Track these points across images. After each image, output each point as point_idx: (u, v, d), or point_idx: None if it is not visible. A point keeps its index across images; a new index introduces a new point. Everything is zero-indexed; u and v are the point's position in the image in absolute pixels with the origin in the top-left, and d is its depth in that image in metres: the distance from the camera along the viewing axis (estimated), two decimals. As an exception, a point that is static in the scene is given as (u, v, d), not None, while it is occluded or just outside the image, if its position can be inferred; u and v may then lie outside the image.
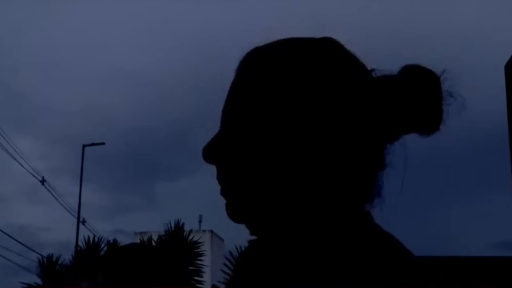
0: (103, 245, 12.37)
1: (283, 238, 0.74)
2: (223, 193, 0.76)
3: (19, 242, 17.13)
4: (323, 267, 0.69)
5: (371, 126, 0.73)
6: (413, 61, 0.78)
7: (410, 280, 0.65)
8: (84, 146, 19.22)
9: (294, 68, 0.74)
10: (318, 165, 0.72)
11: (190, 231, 12.38)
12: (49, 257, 12.67)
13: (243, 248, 0.85)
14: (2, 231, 16.37)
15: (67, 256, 12.89)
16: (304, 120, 0.72)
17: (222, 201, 0.77)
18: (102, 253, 12.14)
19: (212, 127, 0.79)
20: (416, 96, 0.75)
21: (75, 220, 18.45)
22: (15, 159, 17.24)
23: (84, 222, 18.94)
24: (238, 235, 0.78)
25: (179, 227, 12.27)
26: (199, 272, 11.84)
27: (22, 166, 18.76)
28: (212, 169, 0.78)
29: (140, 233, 15.27)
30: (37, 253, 15.36)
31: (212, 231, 22.11)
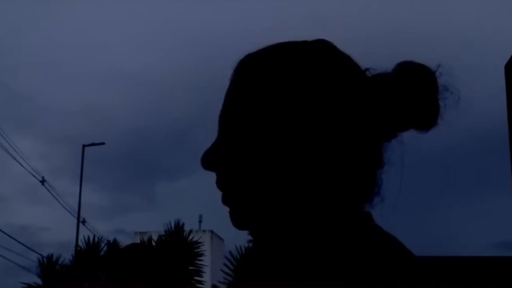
0: (103, 245, 12.37)
1: (284, 240, 0.74)
2: (224, 200, 0.76)
3: (19, 242, 17.15)
4: (324, 268, 0.69)
5: (368, 125, 0.74)
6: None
7: (410, 280, 0.65)
8: (84, 146, 19.22)
9: (288, 71, 0.74)
10: (317, 167, 0.72)
11: (190, 231, 12.37)
12: (49, 257, 12.66)
13: (243, 248, 0.86)
14: (2, 231, 16.39)
15: (67, 256, 12.91)
16: (302, 123, 0.72)
17: (222, 201, 0.77)
18: (102, 253, 12.14)
19: (212, 127, 0.79)
20: (411, 91, 0.75)
21: (75, 220, 18.47)
22: (15, 159, 17.26)
23: (84, 222, 18.95)
24: (238, 235, 0.79)
25: (179, 227, 12.26)
26: (199, 272, 11.83)
27: (22, 166, 18.79)
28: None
29: (140, 233, 15.28)
30: (37, 253, 15.38)
31: (212, 231, 22.11)
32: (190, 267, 11.74)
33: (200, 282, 11.68)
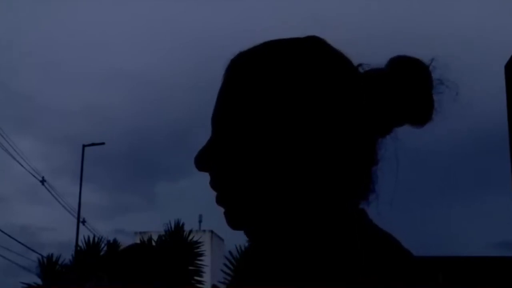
0: (103, 245, 12.37)
1: (281, 239, 0.74)
2: (219, 200, 0.76)
3: (19, 242, 17.14)
4: (319, 266, 0.69)
5: (361, 121, 0.73)
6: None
7: (404, 277, 0.65)
8: (84, 146, 19.22)
9: (280, 69, 0.74)
10: (311, 165, 0.72)
11: (190, 231, 12.36)
12: (49, 257, 12.66)
13: (243, 248, 0.86)
14: (3, 231, 16.38)
15: (67, 256, 12.90)
16: (295, 121, 0.72)
17: (216, 202, 0.77)
18: (102, 253, 12.13)
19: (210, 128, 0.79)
20: (405, 86, 0.75)
21: (75, 220, 18.46)
22: (15, 159, 17.25)
23: (84, 222, 18.95)
24: (238, 235, 0.79)
25: (179, 227, 12.25)
26: (199, 272, 11.82)
27: (22, 166, 18.77)
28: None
29: (140, 233, 15.27)
30: (37, 253, 15.38)
31: (212, 231, 22.11)
32: (190, 267, 11.73)
33: (200, 282, 11.67)
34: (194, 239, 12.19)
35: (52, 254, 12.72)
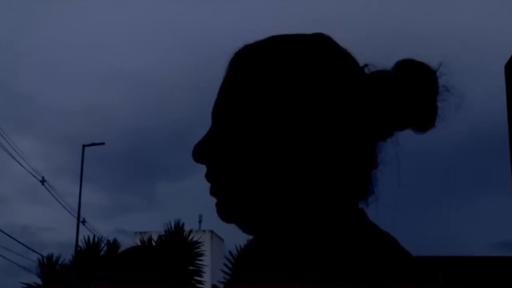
0: (103, 245, 12.36)
1: (277, 237, 0.74)
2: (212, 191, 0.76)
3: (19, 242, 17.13)
4: (316, 264, 0.68)
5: (364, 122, 0.73)
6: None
7: (402, 276, 0.65)
8: (84, 146, 19.21)
9: (285, 65, 0.73)
10: (310, 163, 0.71)
11: (190, 231, 12.34)
12: (49, 257, 12.65)
13: (243, 248, 0.85)
14: (3, 232, 16.38)
15: (67, 256, 12.89)
16: (296, 117, 0.71)
17: (209, 193, 0.77)
18: (102, 253, 12.12)
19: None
20: (410, 90, 0.74)
21: (75, 220, 18.45)
22: (15, 159, 17.24)
23: (84, 222, 18.94)
24: (238, 235, 0.78)
25: (179, 227, 12.24)
26: (199, 272, 11.81)
27: (22, 166, 18.76)
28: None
29: (140, 233, 15.25)
30: (37, 253, 15.37)
31: (212, 231, 22.09)
32: (190, 267, 11.72)
33: (200, 282, 11.66)
34: (194, 239, 12.18)
35: (52, 254, 12.72)
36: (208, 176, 0.76)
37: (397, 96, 0.74)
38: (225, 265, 9.80)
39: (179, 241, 11.92)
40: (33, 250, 16.85)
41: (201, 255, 12.09)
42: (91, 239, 12.45)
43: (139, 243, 11.80)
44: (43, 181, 18.33)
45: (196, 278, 11.70)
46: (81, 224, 18.54)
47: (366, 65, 0.78)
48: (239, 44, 0.79)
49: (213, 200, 0.76)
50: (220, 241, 22.08)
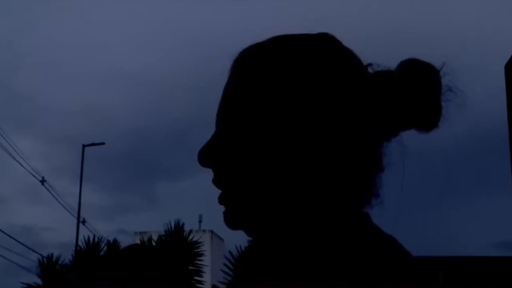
0: (103, 245, 12.35)
1: (282, 240, 0.74)
2: (222, 200, 0.75)
3: (20, 243, 17.13)
4: (320, 267, 0.68)
5: (367, 123, 0.73)
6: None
7: (407, 279, 0.65)
8: (84, 146, 19.21)
9: (289, 66, 0.73)
10: (315, 166, 0.71)
11: (190, 231, 12.34)
12: (49, 257, 12.65)
13: (243, 248, 0.85)
14: (3, 232, 16.37)
15: (67, 256, 12.88)
16: (300, 120, 0.71)
17: (218, 201, 0.77)
18: (102, 253, 12.12)
19: (212, 127, 0.79)
20: (414, 90, 0.74)
21: (75, 220, 18.45)
22: (15, 159, 17.24)
23: (84, 222, 18.94)
24: (238, 235, 0.78)
25: (179, 227, 12.24)
26: (199, 272, 11.81)
27: (22, 166, 18.76)
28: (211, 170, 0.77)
29: (140, 233, 15.25)
30: (37, 253, 15.37)
31: (212, 231, 22.08)
32: (190, 267, 11.72)
33: (200, 282, 11.66)
34: (194, 239, 12.17)
35: (52, 254, 12.71)
36: (215, 182, 0.76)
37: (401, 95, 0.74)
38: (225, 265, 9.80)
39: (179, 241, 11.92)
40: (33, 250, 16.87)
41: (201, 255, 12.09)
42: (91, 239, 12.45)
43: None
44: (43, 181, 18.35)
45: (196, 278, 11.70)
46: (81, 224, 18.56)
47: (370, 64, 0.77)
48: (239, 44, 0.79)
49: (217, 204, 0.76)
50: (220, 241, 22.07)
